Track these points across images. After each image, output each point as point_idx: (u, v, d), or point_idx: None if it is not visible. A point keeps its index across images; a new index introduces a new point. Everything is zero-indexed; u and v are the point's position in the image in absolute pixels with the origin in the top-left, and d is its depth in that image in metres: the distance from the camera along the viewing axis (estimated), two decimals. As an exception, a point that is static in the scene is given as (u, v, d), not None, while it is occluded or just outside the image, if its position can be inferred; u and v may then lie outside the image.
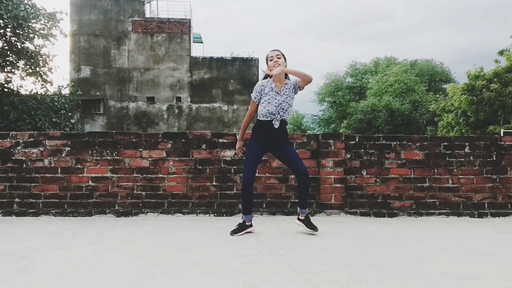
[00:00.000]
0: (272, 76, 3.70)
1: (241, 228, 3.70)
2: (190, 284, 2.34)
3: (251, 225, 3.74)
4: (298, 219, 3.84)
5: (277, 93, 3.68)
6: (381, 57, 41.11)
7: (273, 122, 3.68)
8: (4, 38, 13.34)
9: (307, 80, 3.63)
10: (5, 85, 14.04)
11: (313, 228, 3.72)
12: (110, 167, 4.83)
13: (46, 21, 13.71)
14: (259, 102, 3.74)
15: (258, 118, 3.75)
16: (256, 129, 3.75)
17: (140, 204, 4.82)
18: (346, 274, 2.54)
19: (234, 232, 3.67)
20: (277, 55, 3.71)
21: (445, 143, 4.97)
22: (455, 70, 47.80)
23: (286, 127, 3.79)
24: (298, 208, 3.83)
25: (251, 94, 3.77)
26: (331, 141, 4.79)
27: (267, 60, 3.78)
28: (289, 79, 3.81)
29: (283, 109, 3.68)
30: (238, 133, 4.12)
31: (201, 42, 27.62)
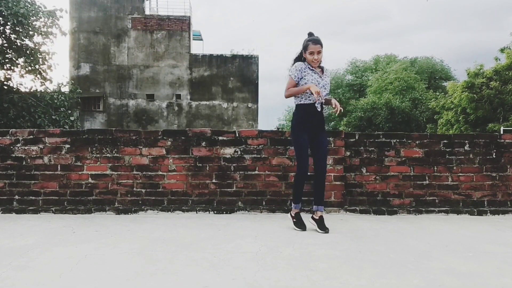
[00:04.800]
0: (306, 60, 3.61)
1: (300, 218, 3.74)
2: (190, 281, 2.35)
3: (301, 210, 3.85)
4: (313, 218, 3.79)
5: (320, 76, 3.60)
6: (381, 54, 41.09)
7: (316, 105, 3.60)
8: (3, 36, 13.32)
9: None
10: (5, 82, 14.03)
11: (325, 229, 3.69)
12: (110, 164, 4.83)
13: (45, 18, 13.68)
14: (298, 81, 3.59)
15: (299, 102, 3.65)
16: (298, 115, 3.64)
17: (140, 202, 4.82)
18: (346, 271, 2.54)
19: (302, 226, 3.68)
20: (318, 51, 3.54)
21: (445, 141, 4.97)
22: (452, 68, 47.83)
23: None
24: (314, 206, 3.77)
25: (289, 73, 3.59)
26: (330, 138, 4.79)
27: (305, 49, 3.59)
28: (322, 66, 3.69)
29: (323, 93, 3.61)
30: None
31: (201, 40, 27.60)
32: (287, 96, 3.65)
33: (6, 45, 13.36)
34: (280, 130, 5.42)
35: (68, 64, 22.86)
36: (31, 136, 4.85)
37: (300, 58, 3.75)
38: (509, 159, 4.97)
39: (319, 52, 3.54)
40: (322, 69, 3.71)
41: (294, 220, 3.79)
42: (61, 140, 4.85)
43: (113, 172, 4.83)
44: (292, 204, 3.83)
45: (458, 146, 4.95)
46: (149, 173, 4.83)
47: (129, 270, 2.53)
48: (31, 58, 13.54)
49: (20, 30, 12.96)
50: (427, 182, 4.92)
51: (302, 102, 3.66)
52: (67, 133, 4.89)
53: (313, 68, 3.63)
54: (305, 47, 3.63)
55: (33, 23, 13.49)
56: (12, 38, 13.38)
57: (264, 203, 4.83)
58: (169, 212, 4.71)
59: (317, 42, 3.56)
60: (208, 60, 23.38)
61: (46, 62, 14.14)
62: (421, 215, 4.73)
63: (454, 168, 4.93)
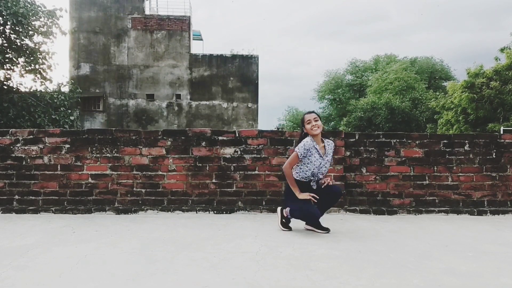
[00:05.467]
0: (308, 133, 3.66)
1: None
2: (190, 281, 2.35)
3: None
4: (307, 223, 3.79)
5: (321, 156, 3.66)
6: (381, 54, 41.06)
7: (311, 184, 3.69)
8: (3, 35, 13.30)
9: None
10: (5, 82, 14.02)
11: (326, 229, 3.70)
12: (110, 164, 4.83)
13: (45, 18, 13.66)
14: (302, 159, 3.63)
15: (296, 177, 3.66)
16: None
17: (140, 202, 4.82)
18: (346, 271, 2.54)
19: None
20: (314, 118, 3.65)
21: (445, 141, 4.97)
22: (452, 68, 47.81)
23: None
24: None
25: (297, 150, 3.61)
26: (331, 138, 4.78)
27: (303, 123, 3.70)
28: (324, 140, 3.75)
29: (322, 172, 3.69)
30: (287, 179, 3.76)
31: (201, 40, 27.57)
32: (286, 174, 3.65)
33: (6, 44, 13.34)
34: (280, 130, 5.42)
35: (68, 64, 22.83)
36: (31, 136, 4.85)
37: (305, 135, 3.78)
38: (509, 159, 4.97)
39: (315, 119, 3.65)
40: (325, 145, 3.73)
41: (283, 220, 3.81)
42: (61, 140, 4.85)
43: (113, 172, 4.83)
44: (288, 209, 3.75)
45: (458, 146, 4.95)
46: (149, 173, 4.83)
47: (129, 270, 2.53)
48: (31, 57, 13.52)
49: (20, 30, 12.94)
50: (427, 182, 4.92)
51: (298, 178, 3.67)
52: (67, 133, 4.89)
53: (318, 149, 3.64)
54: (302, 122, 3.75)
55: (33, 23, 13.46)
56: (12, 38, 13.36)
57: (264, 203, 4.83)
58: (169, 212, 4.71)
59: (311, 112, 3.77)
60: (208, 60, 23.36)
61: (46, 62, 14.12)
62: (421, 215, 4.73)
63: (454, 168, 4.93)
